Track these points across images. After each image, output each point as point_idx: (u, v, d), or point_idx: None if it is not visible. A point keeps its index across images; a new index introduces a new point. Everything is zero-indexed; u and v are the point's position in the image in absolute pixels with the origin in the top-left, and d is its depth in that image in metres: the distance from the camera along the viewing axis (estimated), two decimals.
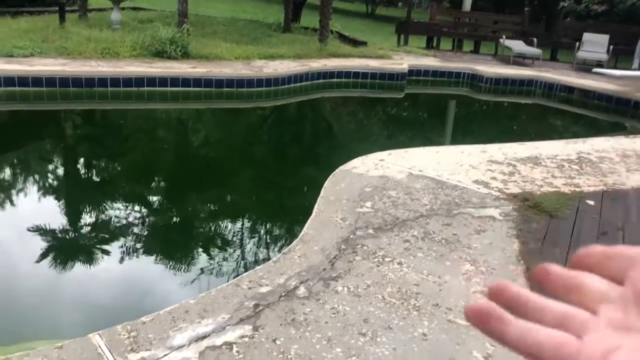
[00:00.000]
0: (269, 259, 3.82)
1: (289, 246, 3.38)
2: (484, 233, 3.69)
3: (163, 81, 8.15)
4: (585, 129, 9.40)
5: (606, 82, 10.54)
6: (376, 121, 9.52)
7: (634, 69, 12.28)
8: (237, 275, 3.34)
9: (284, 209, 5.41)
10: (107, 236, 4.39)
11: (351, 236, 3.50)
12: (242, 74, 8.68)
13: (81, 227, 4.59)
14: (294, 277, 2.96)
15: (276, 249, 4.54)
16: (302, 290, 2.84)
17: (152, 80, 8.10)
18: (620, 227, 4.03)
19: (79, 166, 6.44)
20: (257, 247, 4.65)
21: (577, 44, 12.33)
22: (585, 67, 12.12)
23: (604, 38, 12.25)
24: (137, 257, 4.14)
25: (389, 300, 2.81)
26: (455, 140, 8.09)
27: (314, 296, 2.80)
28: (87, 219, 4.81)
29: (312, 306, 2.71)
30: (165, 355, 2.28)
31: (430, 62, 11.66)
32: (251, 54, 9.96)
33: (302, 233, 3.52)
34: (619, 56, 13.05)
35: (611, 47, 12.06)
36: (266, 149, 7.50)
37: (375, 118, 9.71)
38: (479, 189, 4.52)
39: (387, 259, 3.24)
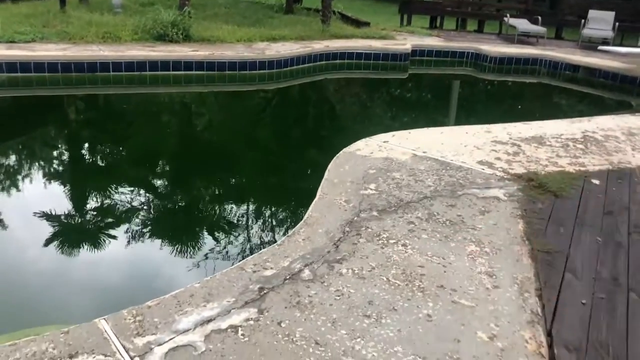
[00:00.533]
0: (273, 242, 3.83)
1: (293, 229, 3.38)
2: (488, 214, 3.68)
3: (165, 65, 8.12)
4: (590, 107, 9.33)
5: (611, 59, 10.44)
6: (380, 102, 9.46)
7: None
8: (242, 259, 3.35)
9: (287, 192, 5.41)
10: (111, 220, 4.41)
11: (355, 218, 3.49)
12: (244, 56, 8.63)
13: (86, 212, 4.60)
14: (299, 260, 2.97)
15: (280, 232, 4.55)
16: (306, 273, 2.84)
17: (154, 64, 8.07)
18: (626, 206, 4.02)
19: (82, 151, 6.44)
20: (262, 230, 4.66)
21: (583, 21, 12.20)
22: (591, 44, 12.00)
23: (610, 15, 12.11)
24: (142, 241, 4.15)
25: (394, 282, 2.82)
26: (459, 121, 8.04)
27: (318, 279, 2.80)
28: (92, 203, 4.82)
29: (316, 289, 2.72)
30: (171, 339, 2.30)
31: (433, 42, 11.55)
32: (253, 36, 9.90)
33: (306, 216, 3.52)
34: (625, 33, 12.90)
35: (617, 24, 11.93)
36: (269, 131, 7.47)
37: (379, 99, 9.65)
38: (483, 169, 4.50)
39: (391, 241, 3.24)
